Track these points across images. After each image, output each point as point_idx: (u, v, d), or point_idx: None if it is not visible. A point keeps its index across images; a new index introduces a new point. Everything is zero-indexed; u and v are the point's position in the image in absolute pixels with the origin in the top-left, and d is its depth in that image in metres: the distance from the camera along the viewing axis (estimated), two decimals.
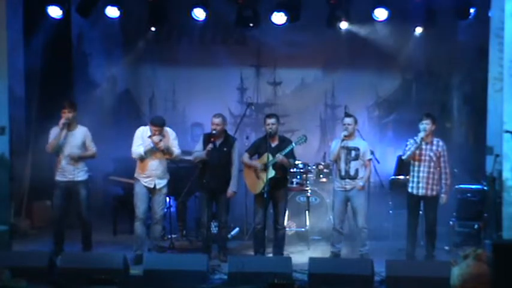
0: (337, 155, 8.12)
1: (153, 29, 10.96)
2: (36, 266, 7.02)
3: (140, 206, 8.10)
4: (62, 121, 8.00)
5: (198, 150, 8.25)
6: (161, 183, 8.14)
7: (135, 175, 8.18)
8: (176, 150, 8.16)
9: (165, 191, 8.23)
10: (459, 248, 8.29)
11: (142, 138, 8.09)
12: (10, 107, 8.66)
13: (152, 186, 8.10)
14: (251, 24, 10.18)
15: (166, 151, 8.08)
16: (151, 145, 8.00)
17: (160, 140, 7.97)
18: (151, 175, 8.09)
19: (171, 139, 8.16)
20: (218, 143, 8.18)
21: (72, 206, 8.34)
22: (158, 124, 8.03)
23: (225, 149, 8.19)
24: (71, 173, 8.11)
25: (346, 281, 6.83)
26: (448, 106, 11.34)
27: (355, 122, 8.22)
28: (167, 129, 8.19)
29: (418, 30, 10.51)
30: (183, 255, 8.16)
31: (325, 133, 11.51)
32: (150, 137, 8.02)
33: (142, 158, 8.06)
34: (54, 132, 8.09)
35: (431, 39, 10.66)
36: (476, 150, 10.12)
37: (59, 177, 8.14)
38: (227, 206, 8.29)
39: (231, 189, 8.20)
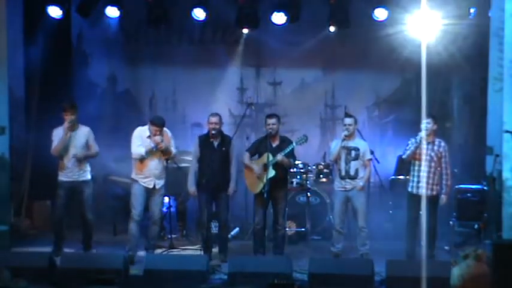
0: (337, 155, 8.13)
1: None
2: (36, 266, 7.02)
3: (137, 208, 8.07)
4: (66, 125, 7.98)
5: (194, 155, 8.24)
6: (160, 183, 8.15)
7: (133, 176, 8.17)
8: (173, 149, 8.18)
9: (163, 191, 8.23)
10: (459, 248, 8.29)
11: (141, 138, 8.08)
12: (10, 107, 8.68)
13: (152, 186, 8.09)
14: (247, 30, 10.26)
15: (166, 151, 8.08)
16: (152, 145, 7.99)
17: (162, 141, 7.97)
18: (151, 175, 8.08)
19: (169, 139, 8.17)
20: (216, 143, 8.17)
21: (74, 206, 8.34)
22: (159, 124, 8.02)
23: (223, 148, 8.18)
24: (75, 173, 8.12)
25: (346, 281, 6.83)
26: (448, 106, 11.31)
27: (356, 122, 8.24)
28: (165, 129, 8.19)
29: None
30: (183, 255, 8.17)
31: (325, 133, 11.48)
32: (149, 137, 8.02)
33: (142, 159, 8.05)
34: (57, 134, 8.08)
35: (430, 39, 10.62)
36: (476, 150, 10.11)
37: (62, 178, 8.12)
38: (227, 205, 8.29)
39: (232, 186, 8.20)
